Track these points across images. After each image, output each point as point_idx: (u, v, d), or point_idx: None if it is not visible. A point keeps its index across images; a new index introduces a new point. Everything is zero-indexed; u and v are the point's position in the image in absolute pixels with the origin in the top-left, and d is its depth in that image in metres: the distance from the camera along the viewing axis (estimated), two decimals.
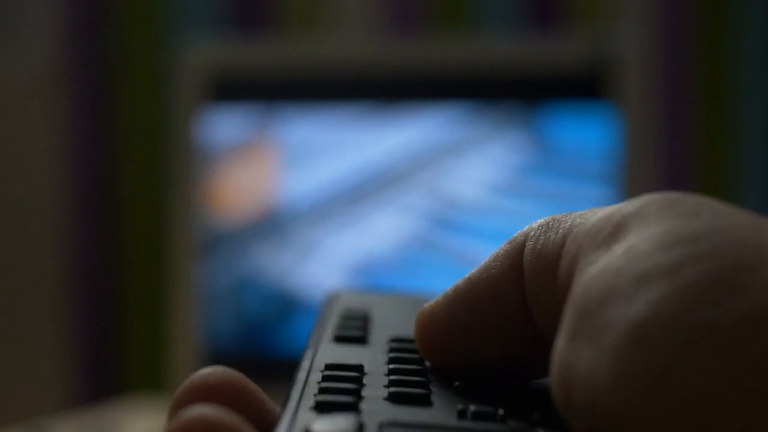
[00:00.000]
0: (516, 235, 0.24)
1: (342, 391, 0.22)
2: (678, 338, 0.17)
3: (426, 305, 0.25)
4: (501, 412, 0.21)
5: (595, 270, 0.20)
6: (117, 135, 1.06)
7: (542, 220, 0.24)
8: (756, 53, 1.04)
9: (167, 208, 1.01)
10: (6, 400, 1.05)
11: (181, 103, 0.82)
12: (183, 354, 0.79)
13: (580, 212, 0.23)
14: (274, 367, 0.77)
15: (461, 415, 0.21)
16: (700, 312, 0.17)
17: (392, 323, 0.29)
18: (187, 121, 0.81)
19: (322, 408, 0.21)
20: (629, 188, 0.76)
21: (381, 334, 0.27)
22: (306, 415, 0.20)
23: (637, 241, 0.19)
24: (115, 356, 1.06)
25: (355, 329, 0.27)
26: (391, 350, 0.26)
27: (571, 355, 0.19)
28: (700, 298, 0.18)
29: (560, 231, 0.22)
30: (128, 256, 1.06)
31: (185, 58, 0.82)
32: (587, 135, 0.78)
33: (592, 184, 0.77)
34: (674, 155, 1.04)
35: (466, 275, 0.24)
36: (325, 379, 0.23)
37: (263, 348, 0.78)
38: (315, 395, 0.21)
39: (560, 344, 0.20)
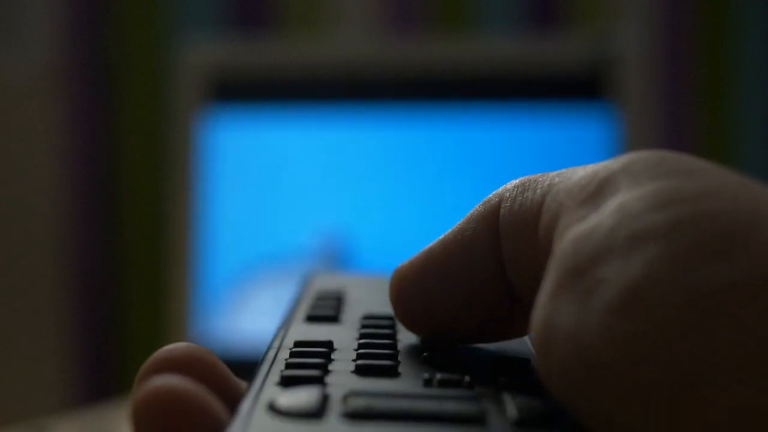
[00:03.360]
0: (490, 196, 0.24)
1: (309, 366, 0.22)
2: (675, 300, 0.17)
3: (400, 265, 0.25)
4: (467, 378, 0.21)
5: (585, 227, 0.19)
6: (117, 135, 1.06)
7: (517, 181, 0.23)
8: (756, 53, 1.04)
9: (167, 208, 1.01)
10: (6, 400, 1.05)
11: (181, 103, 0.82)
12: None
13: (557, 171, 0.22)
14: None
15: (427, 383, 0.21)
16: (697, 274, 0.17)
17: (366, 302, 0.29)
18: (187, 121, 0.81)
19: (287, 382, 0.21)
20: None
21: (354, 313, 0.28)
22: (271, 390, 0.20)
23: (628, 199, 0.19)
24: (115, 356, 1.06)
25: (327, 308, 0.27)
26: (363, 326, 0.26)
27: (555, 312, 0.19)
28: (697, 260, 0.17)
29: (538, 190, 0.22)
30: (128, 256, 1.06)
31: (185, 58, 0.82)
32: (587, 135, 0.78)
33: None
34: None
35: (440, 237, 0.24)
36: (293, 355, 0.23)
37: (263, 349, 0.78)
38: (282, 371, 0.21)
39: (543, 301, 0.19)
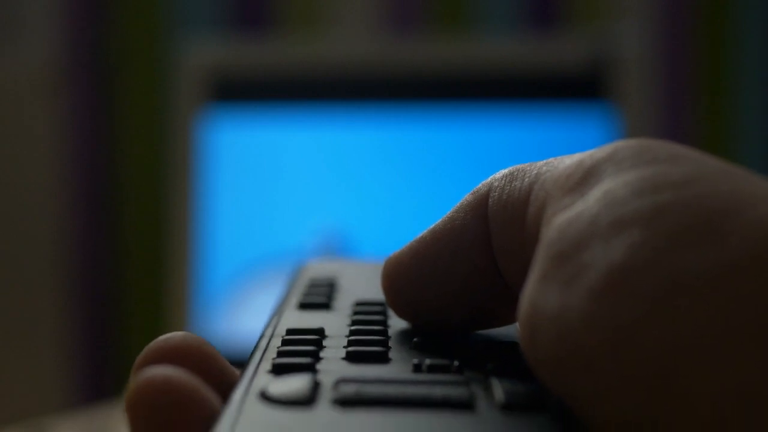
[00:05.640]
0: (479, 186, 0.24)
1: (300, 353, 0.22)
2: (656, 284, 0.17)
3: (392, 254, 0.25)
4: (456, 363, 0.21)
5: (570, 214, 0.19)
6: (117, 135, 1.06)
7: (506, 171, 0.23)
8: (756, 53, 1.04)
9: (167, 209, 1.01)
10: (6, 400, 1.05)
11: (181, 103, 0.82)
12: None
13: (545, 161, 0.23)
14: None
15: (417, 368, 0.21)
16: (678, 258, 0.17)
17: (358, 289, 0.29)
18: (187, 121, 0.81)
19: (279, 370, 0.21)
20: None
21: (347, 300, 0.28)
22: (263, 378, 0.20)
23: (612, 186, 0.19)
24: (115, 356, 1.06)
25: (319, 296, 0.28)
26: (355, 313, 0.26)
27: (541, 297, 0.19)
28: (679, 245, 0.17)
29: (526, 179, 0.22)
30: (128, 256, 1.06)
31: (185, 58, 0.82)
32: (587, 135, 0.78)
33: None
34: None
35: (431, 226, 0.24)
36: (285, 343, 0.23)
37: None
38: (273, 359, 0.22)
39: (529, 287, 0.20)
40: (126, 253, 1.06)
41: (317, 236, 0.80)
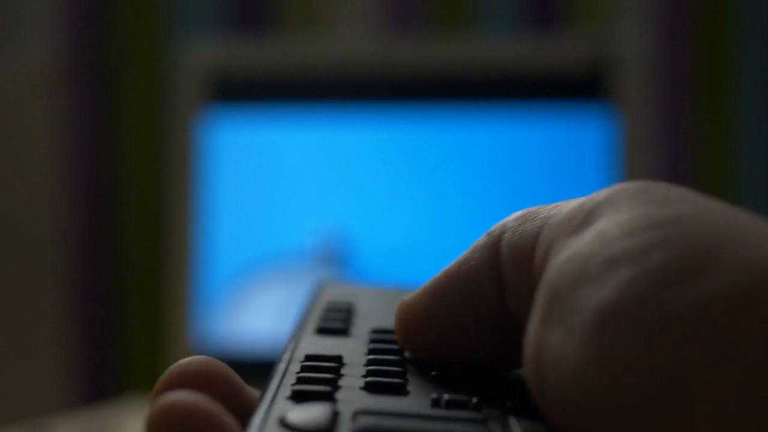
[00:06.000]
0: (494, 227, 0.24)
1: (319, 381, 0.22)
2: (644, 324, 0.17)
3: (405, 298, 0.25)
4: (475, 400, 0.21)
5: (566, 255, 0.20)
6: (117, 135, 1.06)
7: (519, 213, 0.24)
8: (756, 53, 1.04)
9: (167, 209, 1.01)
10: (6, 400, 1.05)
11: (181, 103, 0.82)
12: (182, 354, 0.79)
13: (555, 203, 0.23)
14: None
15: (435, 403, 0.21)
16: (665, 296, 0.18)
17: (375, 315, 0.29)
18: (187, 121, 0.81)
19: (298, 397, 0.21)
20: None
21: (363, 326, 0.28)
22: (282, 404, 0.20)
23: (606, 227, 0.20)
24: (115, 356, 1.06)
25: (337, 321, 0.28)
26: (372, 341, 0.26)
27: (543, 338, 0.19)
28: (665, 282, 0.18)
29: (536, 221, 0.23)
30: (128, 256, 1.06)
31: (185, 58, 0.82)
32: (587, 135, 0.78)
33: (592, 184, 0.77)
34: (674, 155, 1.04)
35: (445, 267, 0.25)
36: (303, 369, 0.23)
37: (263, 349, 0.78)
38: (292, 385, 0.22)
39: (532, 328, 0.20)
40: (126, 253, 1.06)
41: (317, 236, 0.80)
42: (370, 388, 0.22)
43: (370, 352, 0.25)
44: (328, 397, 0.21)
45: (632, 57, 0.78)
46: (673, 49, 1.04)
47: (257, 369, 0.77)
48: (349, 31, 1.04)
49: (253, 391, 0.23)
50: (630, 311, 0.18)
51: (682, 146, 1.04)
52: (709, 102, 1.04)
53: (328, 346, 0.25)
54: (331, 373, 0.23)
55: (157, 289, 1.03)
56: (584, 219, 0.21)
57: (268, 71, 0.81)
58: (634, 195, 0.21)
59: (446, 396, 0.21)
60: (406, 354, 0.25)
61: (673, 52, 1.04)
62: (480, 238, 0.24)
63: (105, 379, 1.06)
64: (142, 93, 1.05)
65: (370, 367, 0.23)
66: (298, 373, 0.23)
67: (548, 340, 0.19)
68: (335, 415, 0.20)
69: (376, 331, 0.27)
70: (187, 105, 0.81)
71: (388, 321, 0.28)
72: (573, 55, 0.78)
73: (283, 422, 0.19)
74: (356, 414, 0.20)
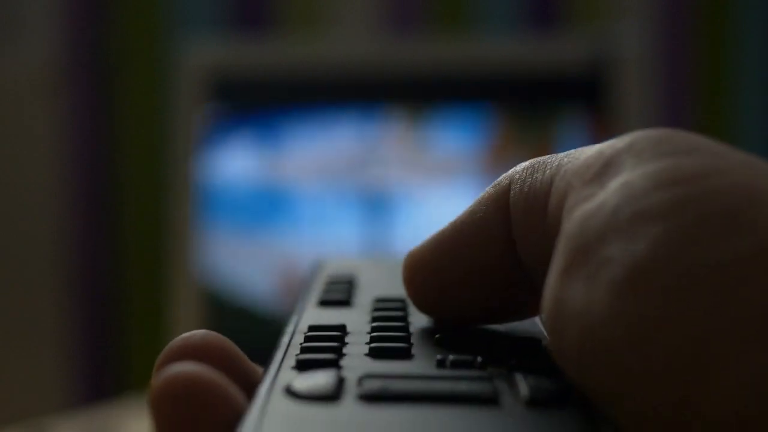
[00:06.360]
0: (501, 178, 0.24)
1: (323, 349, 0.22)
2: (678, 278, 0.17)
3: (413, 248, 0.25)
4: (480, 359, 0.21)
5: (591, 206, 0.20)
6: (117, 135, 1.06)
7: (527, 163, 0.24)
8: (756, 53, 1.04)
9: (167, 209, 1.01)
10: (6, 400, 1.05)
11: (181, 104, 0.82)
12: None
13: (566, 152, 0.23)
14: None
15: (440, 364, 0.21)
16: (699, 251, 0.17)
17: (378, 285, 0.29)
18: (187, 121, 0.81)
19: (303, 366, 0.21)
20: None
21: (366, 297, 0.28)
22: (287, 374, 0.21)
23: (632, 178, 0.19)
24: (115, 356, 1.06)
25: (339, 293, 0.28)
26: (375, 309, 0.26)
27: (565, 290, 0.19)
28: (700, 239, 0.18)
29: (547, 171, 0.22)
30: (128, 256, 1.06)
31: (185, 59, 0.82)
32: (587, 135, 0.78)
33: None
34: None
35: (452, 220, 0.24)
36: (307, 339, 0.23)
37: (263, 349, 0.78)
38: (297, 355, 0.22)
39: (553, 280, 0.20)
40: (126, 253, 1.06)
41: (317, 236, 0.80)
42: (374, 353, 0.22)
43: (374, 320, 0.25)
44: (333, 364, 0.21)
45: (632, 57, 0.78)
46: (673, 49, 1.04)
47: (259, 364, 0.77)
48: (349, 31, 1.04)
49: (256, 366, 0.23)
50: (663, 267, 0.17)
51: None
52: (709, 102, 1.04)
53: (332, 316, 0.25)
54: (335, 342, 0.23)
55: (157, 288, 1.03)
56: (604, 167, 0.20)
57: (268, 71, 0.81)
58: (658, 144, 0.20)
59: (451, 357, 0.22)
60: (410, 318, 0.25)
61: (673, 52, 1.04)
62: (486, 190, 0.24)
63: (105, 379, 1.06)
64: (142, 93, 1.05)
65: (374, 334, 0.23)
66: (302, 343, 0.23)
67: (570, 291, 0.19)
68: (341, 381, 0.20)
69: (379, 300, 0.27)
70: (187, 105, 0.81)
71: (391, 291, 0.28)
72: (573, 56, 0.78)
73: (289, 390, 0.19)
74: (362, 378, 0.20)
